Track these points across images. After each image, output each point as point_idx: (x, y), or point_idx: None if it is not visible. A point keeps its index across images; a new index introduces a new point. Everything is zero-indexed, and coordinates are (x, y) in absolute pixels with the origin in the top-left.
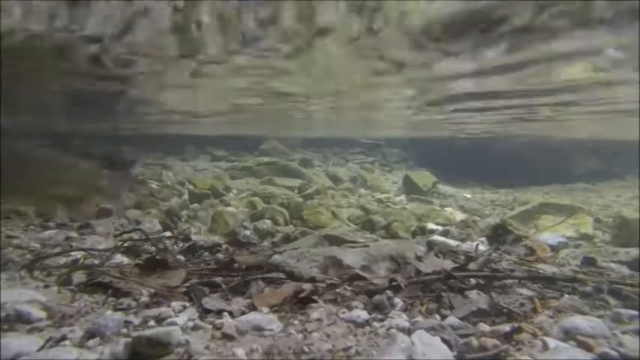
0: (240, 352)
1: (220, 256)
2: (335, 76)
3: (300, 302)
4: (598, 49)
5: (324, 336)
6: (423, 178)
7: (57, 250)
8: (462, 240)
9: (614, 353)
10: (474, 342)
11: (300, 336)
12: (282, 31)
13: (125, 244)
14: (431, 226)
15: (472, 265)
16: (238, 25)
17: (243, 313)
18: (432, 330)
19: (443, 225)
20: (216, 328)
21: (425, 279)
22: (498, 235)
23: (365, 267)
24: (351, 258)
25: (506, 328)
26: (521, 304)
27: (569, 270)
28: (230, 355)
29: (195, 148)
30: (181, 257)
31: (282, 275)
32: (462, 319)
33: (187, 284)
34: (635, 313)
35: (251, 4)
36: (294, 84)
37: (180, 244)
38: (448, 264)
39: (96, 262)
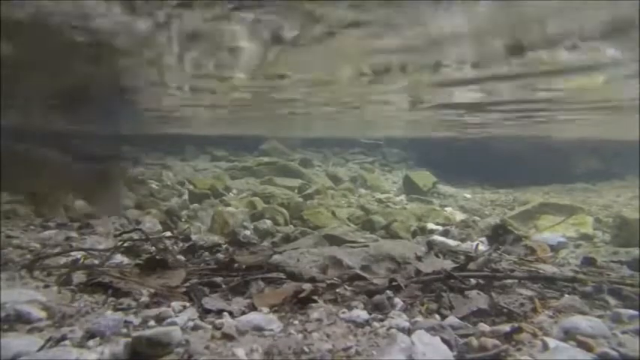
0: (240, 352)
1: (220, 256)
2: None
3: (300, 302)
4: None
5: (324, 336)
6: (423, 178)
7: (57, 250)
8: (462, 240)
9: (614, 353)
10: (474, 342)
11: (300, 336)
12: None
13: (125, 244)
14: (431, 226)
15: (472, 265)
16: None
17: (243, 313)
18: (432, 330)
19: (443, 225)
20: (216, 328)
21: (425, 279)
22: (498, 235)
23: (365, 267)
24: (351, 258)
25: (506, 328)
26: (521, 304)
27: (569, 270)
28: (230, 355)
29: (195, 148)
30: (181, 257)
31: (282, 275)
32: (462, 319)
33: (187, 284)
34: (635, 313)
35: None
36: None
37: (180, 244)
38: (448, 264)
39: (96, 262)
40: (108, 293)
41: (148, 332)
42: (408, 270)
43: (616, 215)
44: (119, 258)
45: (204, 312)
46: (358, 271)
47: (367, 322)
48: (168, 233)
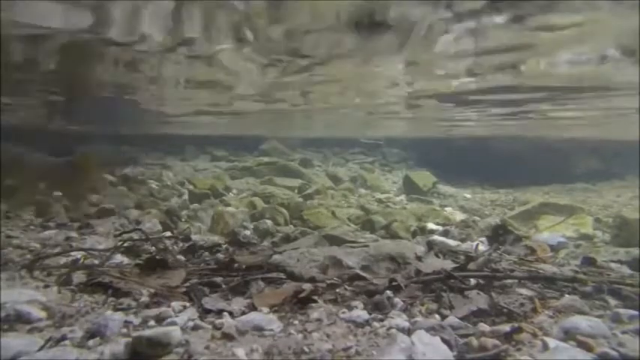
0: (240, 352)
1: (220, 256)
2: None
3: (300, 302)
4: None
5: (324, 336)
6: (423, 178)
7: (57, 250)
8: (462, 240)
9: (614, 353)
10: (474, 342)
11: (300, 336)
12: None
13: (125, 244)
14: (431, 226)
15: (472, 265)
16: None
17: (243, 313)
18: (432, 330)
19: (443, 225)
20: (216, 328)
21: (425, 279)
22: (498, 235)
23: (365, 267)
24: (351, 258)
25: (506, 328)
26: (521, 304)
27: (569, 270)
28: (230, 355)
29: (195, 148)
30: (181, 257)
31: (282, 275)
32: (462, 319)
33: (187, 284)
34: (635, 313)
35: None
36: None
37: (180, 244)
38: (448, 264)
39: (96, 262)
40: (108, 293)
41: (147, 332)
42: (408, 270)
43: (616, 215)
44: (119, 258)
45: (204, 312)
46: (358, 271)
47: (367, 322)
48: (168, 233)
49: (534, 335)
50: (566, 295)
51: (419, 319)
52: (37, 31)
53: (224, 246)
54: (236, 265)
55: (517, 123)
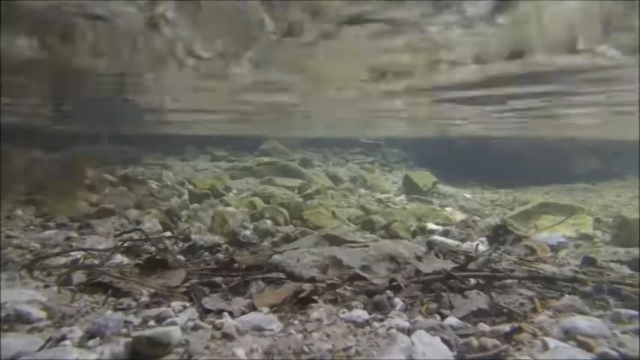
0: (240, 352)
1: (220, 256)
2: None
3: (300, 302)
4: None
5: (324, 336)
6: (423, 178)
7: (57, 250)
8: (462, 240)
9: (614, 353)
10: (474, 342)
11: (300, 336)
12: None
13: (125, 244)
14: (431, 226)
15: (472, 265)
16: None
17: (243, 313)
18: (432, 330)
19: (443, 225)
20: (216, 328)
21: (425, 279)
22: (498, 235)
23: (365, 267)
24: (351, 258)
25: (506, 328)
26: (521, 304)
27: (569, 270)
28: (230, 355)
29: (195, 148)
30: (181, 257)
31: (282, 275)
32: (462, 319)
33: (187, 284)
34: (635, 313)
35: None
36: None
37: (180, 244)
38: (448, 264)
39: (96, 262)
40: (108, 293)
41: (147, 332)
42: (408, 270)
43: (616, 215)
44: (119, 258)
45: (204, 312)
46: (358, 271)
47: (367, 322)
48: (168, 233)
49: (534, 335)
50: (566, 295)
51: (419, 319)
52: None
53: (224, 246)
54: (236, 265)
55: (517, 121)
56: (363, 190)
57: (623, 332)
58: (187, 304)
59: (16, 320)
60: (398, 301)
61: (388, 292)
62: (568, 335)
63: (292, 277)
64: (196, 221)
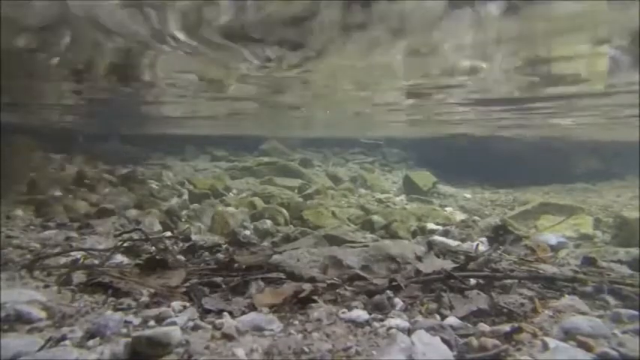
0: (240, 352)
1: (220, 256)
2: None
3: (300, 302)
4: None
5: (324, 336)
6: (423, 178)
7: (57, 250)
8: (462, 240)
9: (614, 353)
10: (474, 342)
11: (300, 336)
12: None
13: (125, 244)
14: (431, 226)
15: (472, 265)
16: None
17: (243, 313)
18: (432, 330)
19: (443, 225)
20: (216, 328)
21: (425, 279)
22: (498, 235)
23: (365, 267)
24: (351, 258)
25: (506, 328)
26: (521, 304)
27: (569, 270)
28: (230, 355)
29: (195, 148)
30: (181, 257)
31: (282, 275)
32: (462, 319)
33: (187, 284)
34: (635, 313)
35: None
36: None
37: (180, 244)
38: (448, 264)
39: (96, 262)
40: (108, 293)
41: (147, 332)
42: (408, 270)
43: (616, 215)
44: (119, 258)
45: (204, 312)
46: (358, 271)
47: (367, 322)
48: (169, 233)
49: (534, 335)
50: (566, 295)
51: (419, 319)
52: None
53: (224, 246)
54: (236, 265)
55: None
56: (363, 190)
57: (623, 332)
58: (187, 304)
59: (16, 320)
60: (398, 301)
61: (388, 292)
62: (568, 335)
63: (292, 277)
64: (196, 221)
